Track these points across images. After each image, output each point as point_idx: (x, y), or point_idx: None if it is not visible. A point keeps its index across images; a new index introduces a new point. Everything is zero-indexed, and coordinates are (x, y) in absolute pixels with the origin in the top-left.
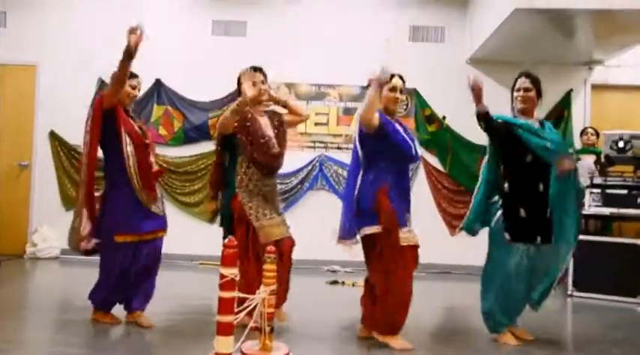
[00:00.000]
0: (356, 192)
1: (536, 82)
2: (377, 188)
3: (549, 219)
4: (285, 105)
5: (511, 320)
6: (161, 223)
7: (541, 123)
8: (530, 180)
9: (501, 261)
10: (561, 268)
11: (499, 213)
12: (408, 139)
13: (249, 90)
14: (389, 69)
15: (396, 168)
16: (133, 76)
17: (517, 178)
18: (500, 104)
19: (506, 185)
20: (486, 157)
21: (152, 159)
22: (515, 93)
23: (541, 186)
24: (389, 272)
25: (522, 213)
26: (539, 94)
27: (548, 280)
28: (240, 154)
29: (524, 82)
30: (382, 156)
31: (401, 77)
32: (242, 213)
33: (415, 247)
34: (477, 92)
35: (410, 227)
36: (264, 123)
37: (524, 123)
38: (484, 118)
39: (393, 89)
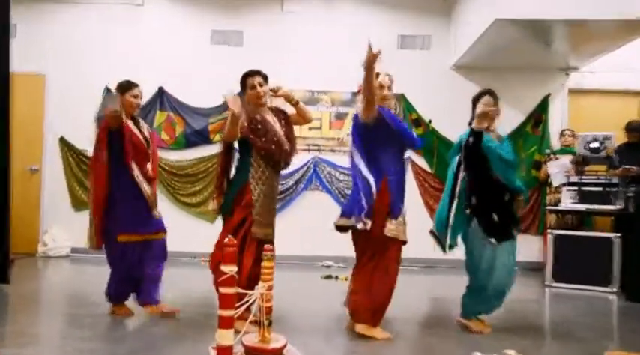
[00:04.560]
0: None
1: (497, 101)
2: (379, 181)
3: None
4: (295, 105)
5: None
6: (161, 225)
7: (500, 139)
8: (497, 193)
9: (491, 259)
10: None
11: (474, 219)
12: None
13: (233, 106)
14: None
15: (395, 158)
16: (134, 85)
17: (485, 192)
18: None
19: (473, 198)
20: (455, 168)
21: (148, 166)
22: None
23: (507, 197)
24: (374, 263)
25: (495, 218)
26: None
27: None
28: (257, 154)
29: (490, 101)
30: (383, 148)
31: (388, 75)
32: (249, 202)
33: (399, 241)
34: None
35: (401, 219)
36: (272, 121)
37: (496, 146)
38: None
39: (381, 87)
